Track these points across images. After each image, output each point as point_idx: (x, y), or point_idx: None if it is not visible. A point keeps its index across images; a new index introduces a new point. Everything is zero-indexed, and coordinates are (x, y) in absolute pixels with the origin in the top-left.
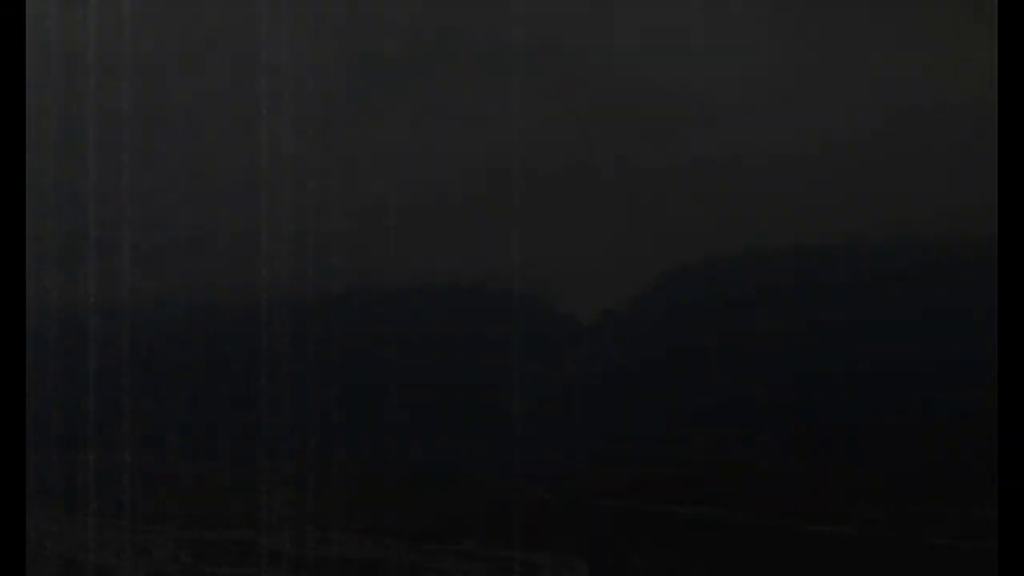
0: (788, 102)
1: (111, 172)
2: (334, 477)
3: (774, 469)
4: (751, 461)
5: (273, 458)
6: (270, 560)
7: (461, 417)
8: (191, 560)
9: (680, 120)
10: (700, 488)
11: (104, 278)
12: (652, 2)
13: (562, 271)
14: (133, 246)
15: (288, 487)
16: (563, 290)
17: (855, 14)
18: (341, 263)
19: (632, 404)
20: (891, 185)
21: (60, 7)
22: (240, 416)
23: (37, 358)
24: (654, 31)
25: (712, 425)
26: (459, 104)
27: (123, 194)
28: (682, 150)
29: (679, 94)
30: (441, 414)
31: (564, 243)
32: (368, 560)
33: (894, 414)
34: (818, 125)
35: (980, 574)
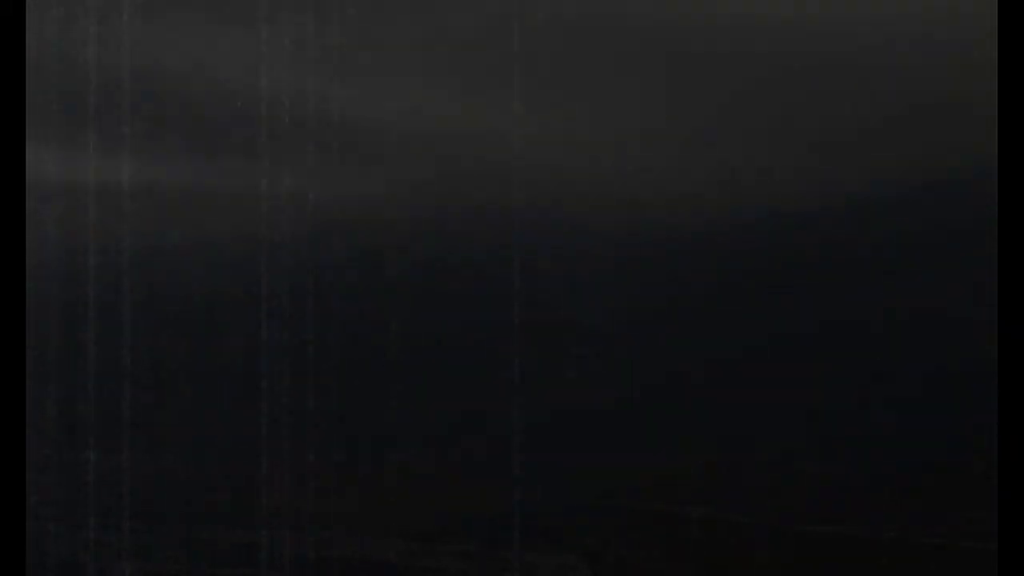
0: None
1: (112, 172)
2: (334, 477)
3: (777, 471)
4: (754, 461)
5: (274, 457)
6: (270, 560)
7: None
8: (191, 561)
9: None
10: (700, 488)
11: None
12: None
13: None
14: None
15: (289, 486)
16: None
17: None
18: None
19: (633, 402)
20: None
21: (61, 17)
22: (240, 413)
23: (37, 357)
24: None
25: (714, 425)
26: None
27: (123, 193)
28: None
29: None
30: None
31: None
32: (368, 560)
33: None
34: None
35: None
